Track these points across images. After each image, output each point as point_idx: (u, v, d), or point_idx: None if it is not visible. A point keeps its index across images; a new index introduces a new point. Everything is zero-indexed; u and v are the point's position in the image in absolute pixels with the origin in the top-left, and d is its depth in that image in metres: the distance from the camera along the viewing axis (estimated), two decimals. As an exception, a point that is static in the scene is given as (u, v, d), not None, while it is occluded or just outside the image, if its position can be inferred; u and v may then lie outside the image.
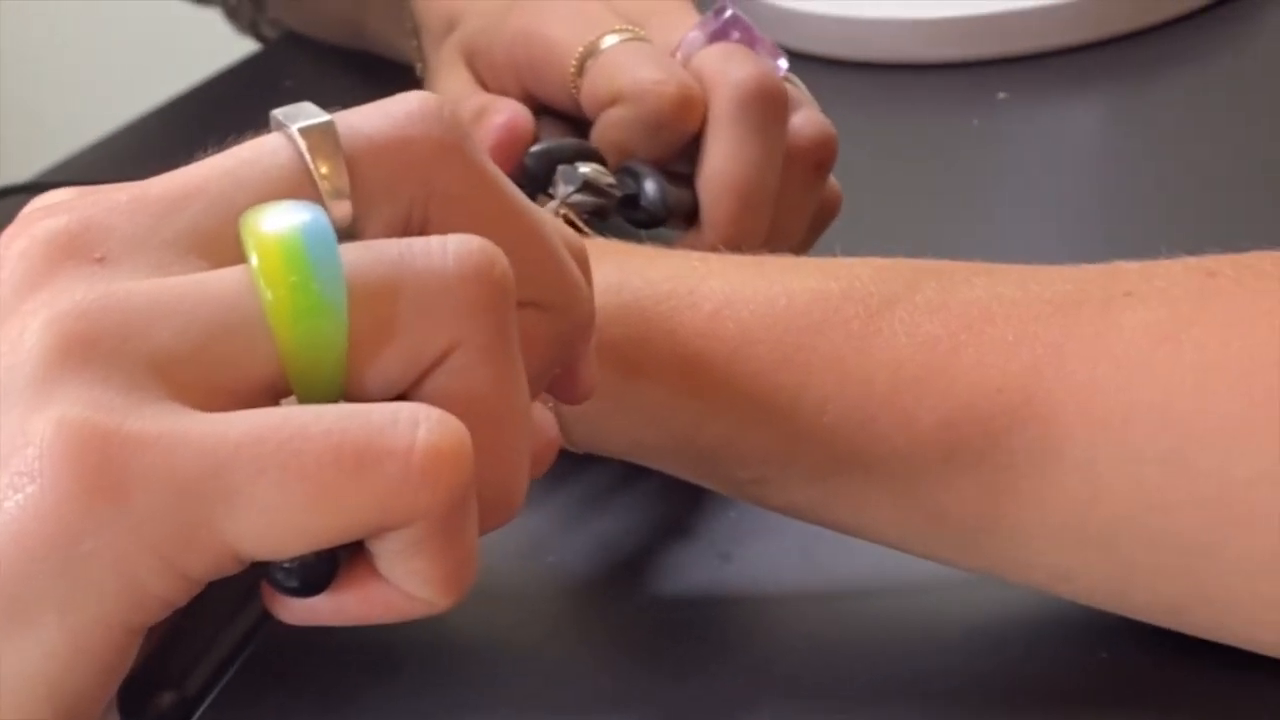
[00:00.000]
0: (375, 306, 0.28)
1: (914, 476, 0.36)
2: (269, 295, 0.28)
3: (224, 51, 0.80)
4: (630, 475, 0.45)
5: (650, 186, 0.46)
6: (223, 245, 0.29)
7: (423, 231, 0.30)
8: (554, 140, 0.48)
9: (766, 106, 0.46)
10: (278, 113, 0.30)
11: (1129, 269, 0.36)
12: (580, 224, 0.44)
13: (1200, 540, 0.34)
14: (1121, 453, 0.34)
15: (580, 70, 0.49)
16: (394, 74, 0.63)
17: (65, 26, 1.67)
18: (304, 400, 0.28)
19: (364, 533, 0.28)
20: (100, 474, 0.26)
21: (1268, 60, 0.65)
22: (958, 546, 0.37)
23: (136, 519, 0.26)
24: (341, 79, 0.74)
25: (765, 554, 0.43)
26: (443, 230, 0.30)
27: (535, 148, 0.47)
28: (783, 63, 0.49)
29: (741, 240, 0.47)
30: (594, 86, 0.48)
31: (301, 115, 0.30)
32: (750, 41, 0.49)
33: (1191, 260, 0.36)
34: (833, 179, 0.51)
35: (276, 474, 0.26)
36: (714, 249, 0.45)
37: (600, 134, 0.48)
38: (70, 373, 0.26)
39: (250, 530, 0.27)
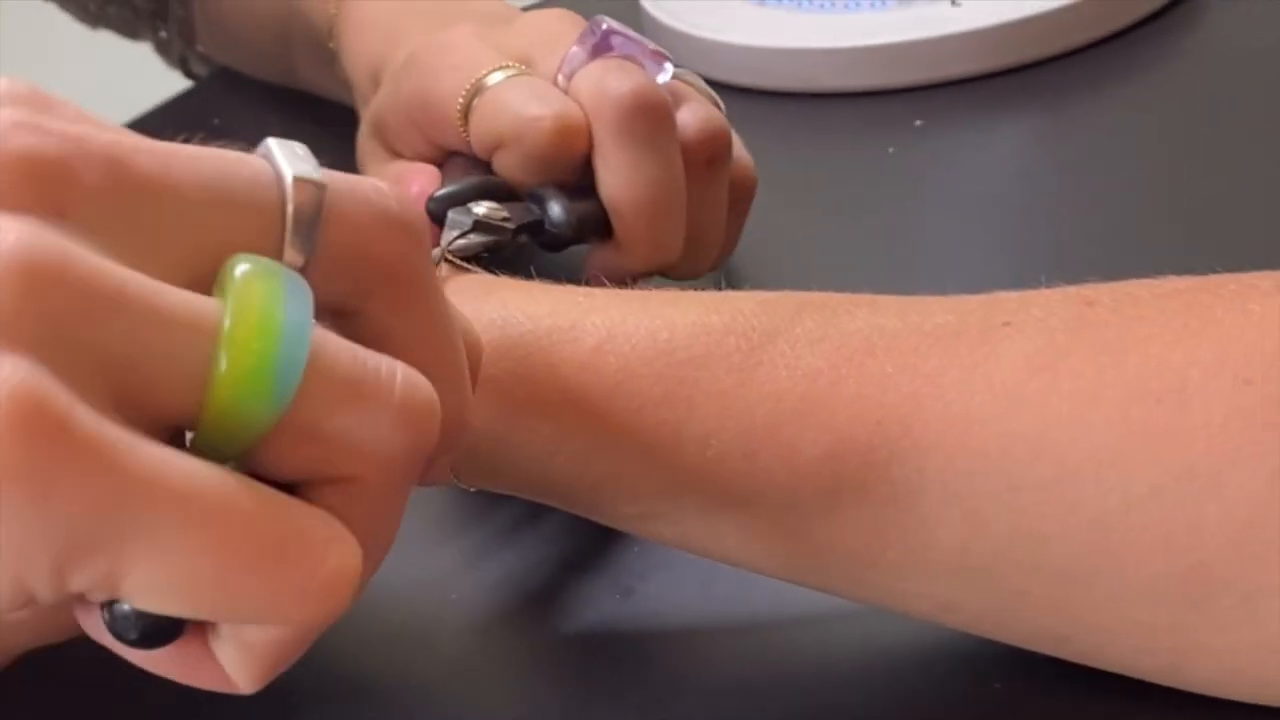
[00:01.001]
0: (311, 413, 0.28)
1: (798, 509, 0.36)
2: (223, 362, 0.27)
3: (156, 92, 0.80)
4: (532, 511, 0.45)
5: (555, 209, 0.46)
6: (175, 252, 0.28)
7: (356, 311, 0.31)
8: (457, 183, 0.48)
9: (649, 119, 0.46)
10: (274, 146, 0.30)
11: (1008, 299, 0.36)
12: (464, 266, 0.44)
13: (1078, 569, 0.34)
14: (999, 483, 0.34)
15: (466, 119, 0.49)
16: (325, 115, 0.63)
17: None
18: (198, 444, 0.28)
19: (242, 618, 0.27)
20: (34, 470, 0.24)
21: (1178, 86, 0.65)
22: (845, 578, 0.37)
23: (51, 525, 0.25)
24: (271, 118, 0.74)
25: (667, 588, 0.42)
26: (374, 325, 0.30)
27: (438, 193, 0.47)
28: (669, 66, 0.49)
29: (661, 251, 0.47)
30: (478, 133, 0.48)
31: (297, 159, 0.29)
32: (633, 51, 0.48)
33: (1070, 289, 0.36)
34: (743, 153, 0.50)
35: (196, 533, 0.26)
36: (640, 261, 0.46)
37: (499, 173, 0.48)
38: (20, 331, 0.25)
39: (145, 575, 0.26)
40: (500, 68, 0.49)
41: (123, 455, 0.25)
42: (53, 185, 0.27)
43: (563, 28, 0.50)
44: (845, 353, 0.36)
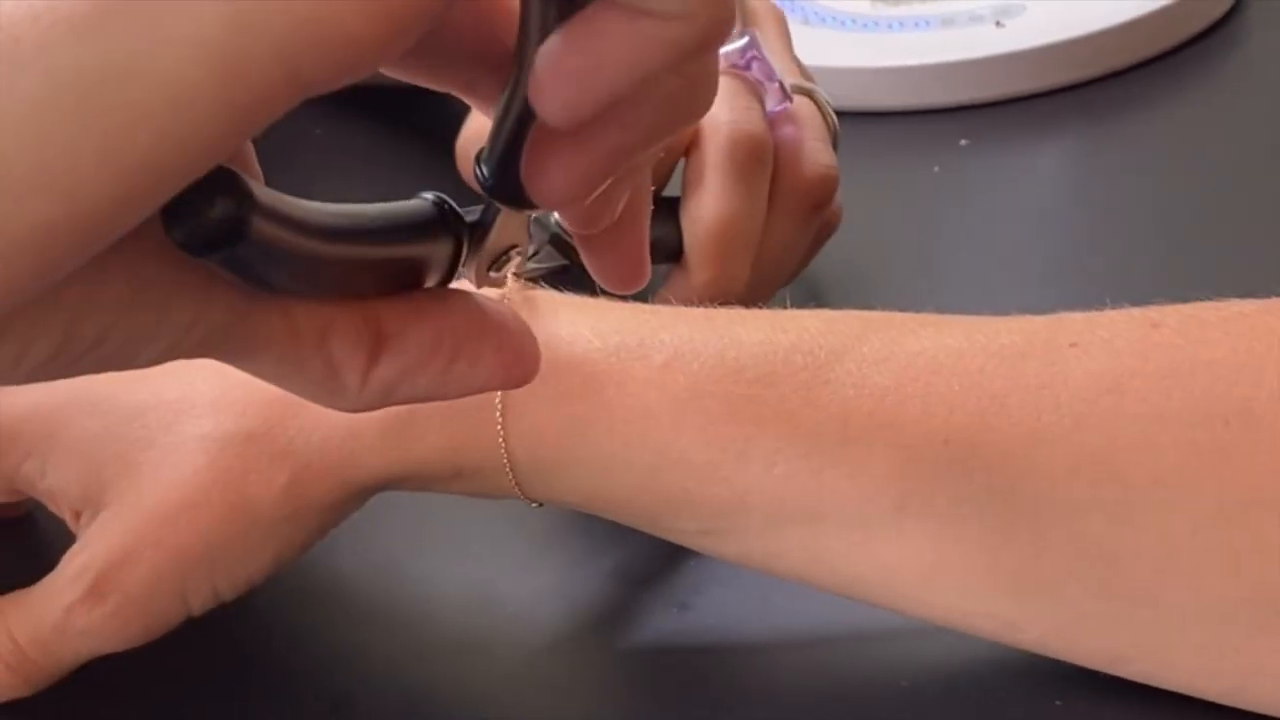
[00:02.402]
0: None
1: (864, 527, 0.36)
2: None
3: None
4: (589, 525, 0.45)
5: None
6: None
7: None
8: None
9: (751, 159, 0.47)
10: None
11: (1074, 319, 0.37)
12: (532, 284, 0.44)
13: (1143, 590, 0.34)
14: (1066, 503, 0.34)
15: None
16: (412, 113, 0.62)
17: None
18: None
19: None
20: None
21: (1222, 105, 0.65)
22: (909, 597, 0.37)
23: None
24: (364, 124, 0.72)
25: (723, 603, 0.43)
26: None
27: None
28: (785, 105, 0.49)
29: (725, 282, 0.47)
30: None
31: None
32: (763, 78, 0.48)
33: (1135, 311, 0.36)
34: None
35: None
36: (702, 285, 0.46)
37: None
38: None
39: None
40: None
41: None
42: None
43: None
44: (912, 372, 0.36)
